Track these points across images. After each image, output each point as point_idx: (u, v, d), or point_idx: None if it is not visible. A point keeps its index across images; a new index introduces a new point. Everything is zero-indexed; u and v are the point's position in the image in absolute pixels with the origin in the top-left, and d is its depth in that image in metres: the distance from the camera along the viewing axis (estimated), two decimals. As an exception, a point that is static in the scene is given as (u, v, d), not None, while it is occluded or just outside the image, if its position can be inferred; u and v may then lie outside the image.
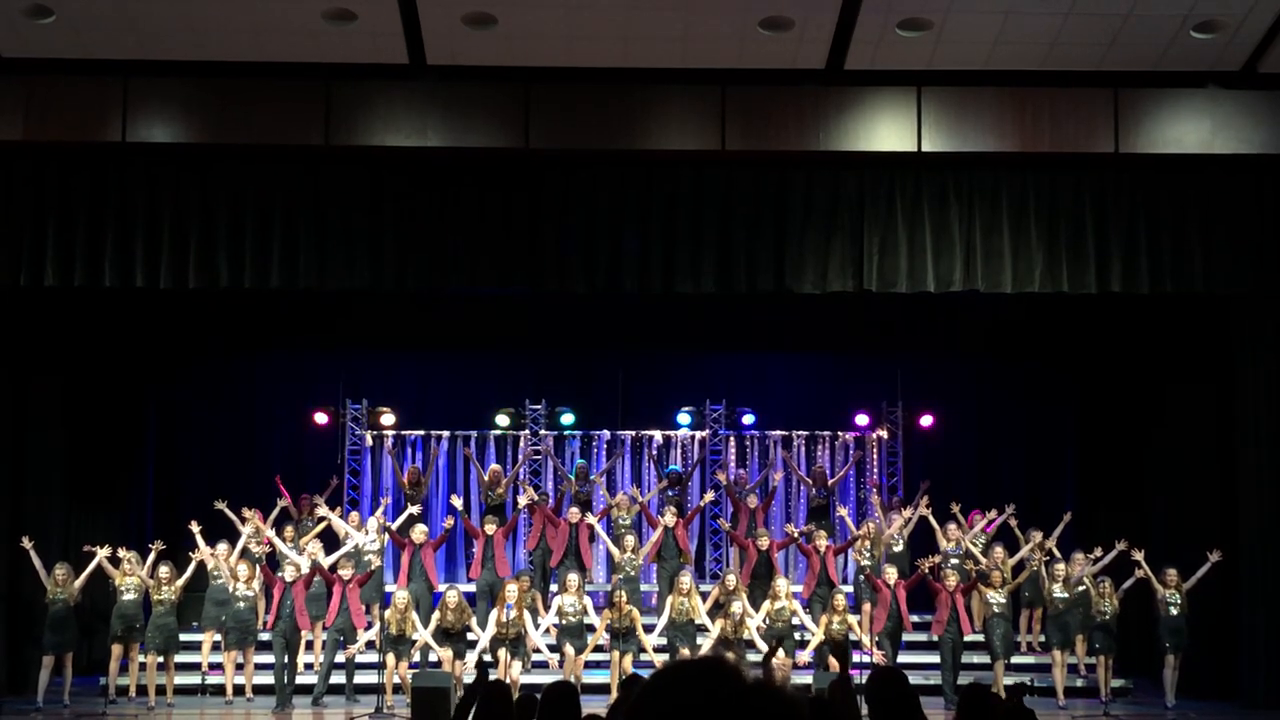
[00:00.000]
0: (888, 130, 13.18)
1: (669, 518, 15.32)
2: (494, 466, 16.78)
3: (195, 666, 14.41)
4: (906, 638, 14.61)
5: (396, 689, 13.50)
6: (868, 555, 14.97)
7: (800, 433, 17.79)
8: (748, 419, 17.64)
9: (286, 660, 13.56)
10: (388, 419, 17.44)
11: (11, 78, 12.86)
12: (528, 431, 17.54)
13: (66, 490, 15.04)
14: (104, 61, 12.78)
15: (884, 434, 17.71)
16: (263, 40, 12.56)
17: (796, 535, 15.34)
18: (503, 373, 18.15)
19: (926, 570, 13.98)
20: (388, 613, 13.55)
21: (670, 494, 16.46)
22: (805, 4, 12.13)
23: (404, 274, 13.32)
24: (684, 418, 17.58)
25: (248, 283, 13.13)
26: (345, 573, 13.94)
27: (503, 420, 17.52)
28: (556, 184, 13.32)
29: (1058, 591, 14.20)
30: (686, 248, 13.31)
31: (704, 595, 14.33)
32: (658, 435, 17.80)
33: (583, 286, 13.45)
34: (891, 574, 14.22)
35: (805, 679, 13.11)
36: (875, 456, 17.81)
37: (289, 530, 15.31)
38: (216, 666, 14.23)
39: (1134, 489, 15.97)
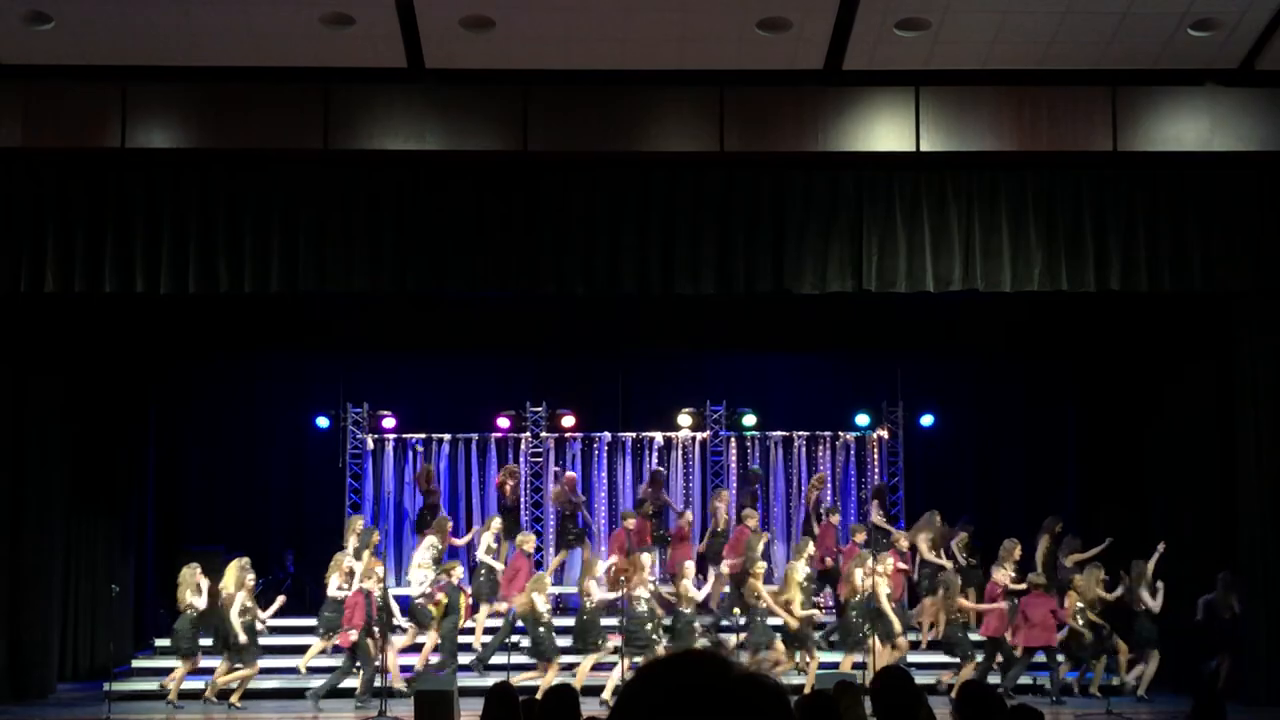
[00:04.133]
0: (886, 130, 13.18)
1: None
2: (511, 467, 16.83)
3: (204, 672, 14.41)
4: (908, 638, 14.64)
5: (397, 691, 13.58)
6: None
7: (800, 433, 17.79)
8: (748, 420, 17.64)
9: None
10: (388, 422, 17.47)
11: (10, 84, 12.85)
12: (528, 434, 17.53)
13: (67, 492, 15.02)
14: (103, 67, 12.77)
15: (884, 434, 17.72)
16: (261, 45, 12.55)
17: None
18: (503, 375, 18.16)
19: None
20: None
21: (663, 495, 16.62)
22: (803, 4, 12.13)
23: (403, 277, 13.31)
24: (685, 417, 17.63)
25: (248, 287, 13.14)
26: (369, 585, 13.96)
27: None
28: (555, 186, 13.32)
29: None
30: (685, 249, 13.30)
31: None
32: (658, 437, 17.80)
33: (582, 288, 13.45)
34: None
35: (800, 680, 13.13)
36: (875, 456, 17.82)
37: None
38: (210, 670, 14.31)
39: (1134, 487, 15.98)
